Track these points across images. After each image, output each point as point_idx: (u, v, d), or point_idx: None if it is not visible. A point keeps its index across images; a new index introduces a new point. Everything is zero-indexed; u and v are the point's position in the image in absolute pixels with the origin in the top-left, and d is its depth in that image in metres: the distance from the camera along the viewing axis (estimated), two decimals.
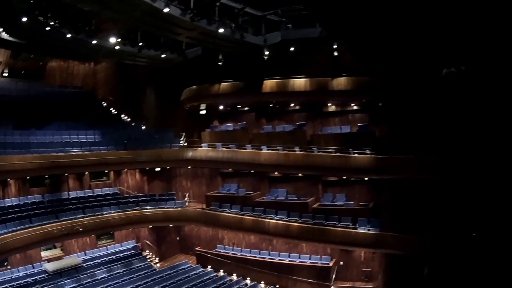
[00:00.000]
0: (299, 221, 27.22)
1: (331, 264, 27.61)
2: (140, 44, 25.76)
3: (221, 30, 22.80)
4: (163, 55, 28.01)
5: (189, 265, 29.57)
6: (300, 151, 27.08)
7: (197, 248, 31.68)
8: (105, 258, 29.59)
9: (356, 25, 21.96)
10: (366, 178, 26.78)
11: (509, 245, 20.67)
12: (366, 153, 25.38)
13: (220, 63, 28.98)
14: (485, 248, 21.83)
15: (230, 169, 30.89)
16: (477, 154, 22.18)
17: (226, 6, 23.28)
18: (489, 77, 21.42)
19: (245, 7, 24.18)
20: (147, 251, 32.51)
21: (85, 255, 29.51)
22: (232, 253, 30.25)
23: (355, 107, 28.20)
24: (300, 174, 28.48)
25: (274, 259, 29.04)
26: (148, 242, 32.75)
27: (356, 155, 25.55)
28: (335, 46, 26.19)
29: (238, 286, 27.09)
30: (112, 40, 24.86)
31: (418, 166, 23.68)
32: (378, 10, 19.80)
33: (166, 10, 19.74)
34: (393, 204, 25.41)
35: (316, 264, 27.91)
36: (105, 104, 38.69)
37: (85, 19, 24.11)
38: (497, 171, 21.38)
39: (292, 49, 27.36)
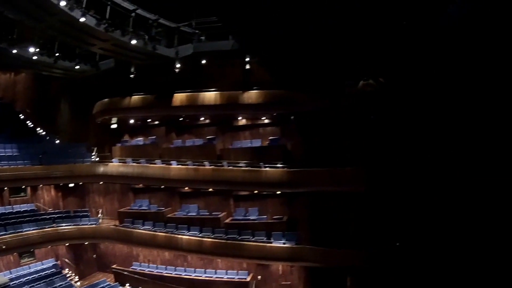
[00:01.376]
0: (212, 236, 26.75)
1: (248, 279, 27.18)
2: (57, 54, 24.91)
3: (133, 42, 22.08)
4: (77, 67, 26.95)
5: (108, 283, 28.68)
6: (210, 165, 26.36)
7: (114, 266, 30.30)
8: (28, 277, 28.05)
9: (268, 38, 21.66)
10: (278, 192, 25.94)
11: (430, 254, 20.94)
12: (278, 167, 24.80)
13: (131, 76, 27.39)
14: (407, 257, 22.07)
15: (141, 185, 29.54)
16: (393, 165, 22.50)
17: (141, 16, 22.50)
18: (408, 89, 21.48)
19: (159, 18, 23.48)
20: (67, 269, 30.96)
21: (11, 273, 27.84)
22: (148, 271, 29.41)
23: (266, 121, 27.55)
24: (211, 189, 27.44)
25: (191, 275, 28.27)
26: (67, 260, 31.25)
27: (267, 169, 25.06)
28: (247, 59, 25.65)
29: None
30: (31, 49, 23.97)
31: (331, 179, 23.90)
32: (290, 25, 19.44)
33: (82, 19, 18.88)
34: (309, 217, 25.50)
35: (233, 280, 27.43)
36: (22, 117, 36.59)
37: (8, 27, 22.89)
38: (413, 182, 21.70)
39: (203, 61, 26.32)
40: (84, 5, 18.77)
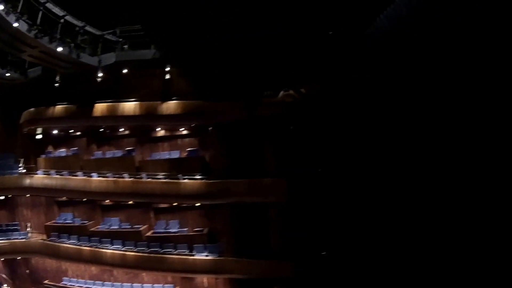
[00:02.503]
0: (135, 250, 26.07)
1: None
2: None
3: (59, 49, 21.24)
4: (8, 74, 25.60)
5: None
6: (130, 178, 25.37)
7: (46, 282, 29.36)
8: None
9: (188, 48, 20.95)
10: (198, 204, 25.15)
11: (355, 261, 21.46)
12: (196, 179, 24.27)
13: (56, 85, 26.40)
14: (333, 266, 22.47)
15: (64, 198, 28.57)
16: (314, 176, 23.10)
17: (69, 23, 21.80)
18: (330, 99, 21.03)
19: (85, 25, 22.82)
20: (5, 285, 29.99)
21: None
22: (78, 286, 28.33)
23: (184, 132, 26.77)
24: (131, 202, 26.47)
25: None
26: (4, 276, 30.26)
27: (186, 180, 24.33)
28: (167, 69, 25.04)
29: None
30: None
31: (250, 190, 23.93)
32: (209, 35, 18.75)
33: (16, 25, 17.98)
34: (230, 229, 25.28)
35: None
36: None
37: None
38: (334, 191, 22.35)
39: (125, 71, 25.36)
40: (19, 10, 18.09)
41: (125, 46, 26.03)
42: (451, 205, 18.43)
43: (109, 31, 24.73)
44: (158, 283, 27.40)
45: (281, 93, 22.47)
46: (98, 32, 24.23)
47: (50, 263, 30.24)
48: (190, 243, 25.68)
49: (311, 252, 23.21)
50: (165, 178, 25.54)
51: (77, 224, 28.73)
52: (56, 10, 20.52)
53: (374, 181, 21.55)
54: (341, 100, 21.09)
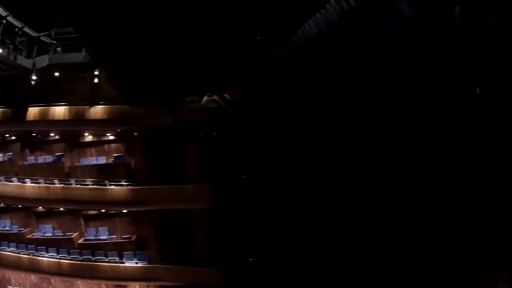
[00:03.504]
0: (69, 257, 25.62)
1: None
2: None
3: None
4: None
5: None
6: (60, 184, 24.69)
7: None
8: None
9: (115, 52, 20.42)
10: (125, 211, 24.55)
11: (284, 268, 21.47)
12: (123, 185, 23.75)
13: None
14: (262, 272, 22.48)
15: (2, 204, 28.21)
16: (240, 181, 22.88)
17: (10, 24, 20.98)
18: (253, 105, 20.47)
19: (24, 26, 22.07)
20: None
21: None
22: None
23: (111, 137, 26.07)
24: (62, 209, 25.94)
25: None
26: None
27: (112, 187, 23.66)
28: (96, 73, 24.30)
29: None
30: None
31: (174, 197, 23.64)
32: (136, 38, 18.18)
33: None
34: (158, 235, 24.85)
35: None
36: None
37: None
38: (262, 196, 21.93)
39: (56, 74, 24.75)
40: None
41: (58, 49, 24.81)
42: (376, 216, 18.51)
43: (44, 33, 24.10)
44: None
45: (205, 98, 21.74)
46: (34, 34, 23.49)
47: None
48: (119, 250, 25.17)
49: (239, 258, 23.11)
50: (93, 184, 24.59)
51: (15, 232, 27.87)
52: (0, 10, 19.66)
53: (300, 186, 21.23)
54: (265, 106, 20.38)
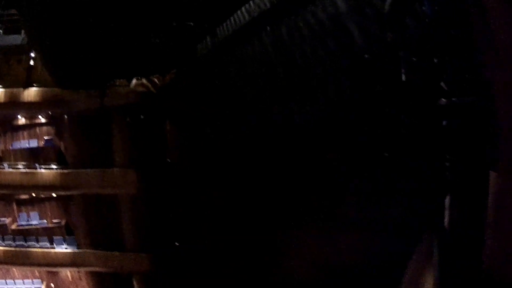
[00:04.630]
0: (4, 244, 25.18)
1: None
2: None
3: None
4: None
5: None
6: None
7: None
8: None
9: (50, 34, 20.68)
10: (54, 195, 24.48)
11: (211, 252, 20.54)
12: (52, 168, 23.64)
13: None
14: (189, 257, 21.85)
15: None
16: (166, 167, 22.61)
17: None
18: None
19: None
20: None
21: None
22: None
23: (43, 120, 26.12)
24: None
25: None
26: None
27: (42, 170, 23.43)
28: (31, 55, 24.18)
29: None
30: None
31: (101, 181, 23.38)
32: (67, 19, 18.39)
33: None
34: (86, 220, 24.67)
35: None
36: None
37: None
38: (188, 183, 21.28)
39: None
40: None
41: (0, 31, 24.89)
42: None
43: None
44: (28, 278, 26.43)
45: (134, 82, 21.66)
46: None
47: None
48: (49, 235, 25.22)
49: (166, 244, 22.68)
50: (24, 168, 24.31)
51: None
52: None
53: (225, 172, 20.27)
54: (193, 93, 20.28)
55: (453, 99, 7.14)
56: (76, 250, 24.66)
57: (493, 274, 5.55)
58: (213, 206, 20.28)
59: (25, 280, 27.02)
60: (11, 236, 25.76)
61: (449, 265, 5.16)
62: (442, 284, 5.06)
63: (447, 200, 5.81)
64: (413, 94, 8.97)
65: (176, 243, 22.55)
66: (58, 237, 25.09)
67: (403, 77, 9.00)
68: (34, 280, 26.87)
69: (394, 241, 9.88)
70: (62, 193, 25.06)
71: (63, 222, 25.76)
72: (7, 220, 26.29)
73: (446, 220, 5.52)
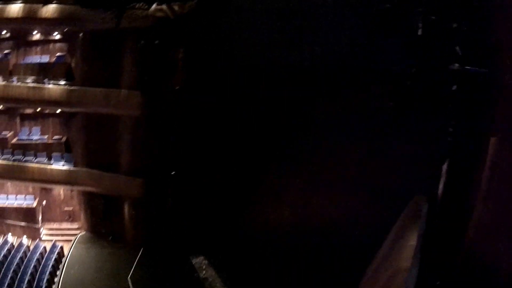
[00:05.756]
0: (2, 158, 25.58)
1: (35, 205, 26.41)
2: None
3: None
4: None
5: None
6: (3, 82, 25.00)
7: None
8: None
9: None
10: (58, 111, 24.71)
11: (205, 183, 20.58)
12: (60, 84, 24.02)
13: None
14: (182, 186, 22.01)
15: None
16: (172, 92, 22.20)
17: None
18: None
19: None
20: None
21: None
22: None
23: (57, 37, 26.40)
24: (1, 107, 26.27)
25: None
26: None
27: (50, 86, 23.95)
28: None
29: None
30: None
31: (106, 100, 23.43)
32: None
33: None
34: (86, 139, 24.93)
35: (22, 206, 26.68)
36: None
37: None
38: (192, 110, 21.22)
39: None
40: None
41: None
42: None
43: None
44: (21, 193, 26.47)
45: (154, 6, 21.92)
46: None
47: None
48: (48, 151, 25.38)
49: (161, 171, 22.58)
50: (33, 83, 24.71)
51: None
52: None
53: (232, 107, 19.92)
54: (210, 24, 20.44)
55: (466, 67, 7.08)
56: (72, 168, 24.78)
57: (477, 243, 5.56)
58: (213, 139, 20.09)
59: (18, 196, 27.04)
60: (10, 150, 25.89)
61: (435, 230, 5.12)
62: (425, 245, 4.94)
63: (444, 166, 5.72)
64: (426, 51, 8.86)
65: (172, 172, 22.34)
66: (56, 154, 25.24)
67: (419, 32, 9.00)
68: (26, 196, 26.88)
69: (384, 203, 9.64)
70: (66, 109, 25.33)
71: (63, 139, 25.83)
72: (8, 134, 26.33)
73: (440, 186, 5.47)
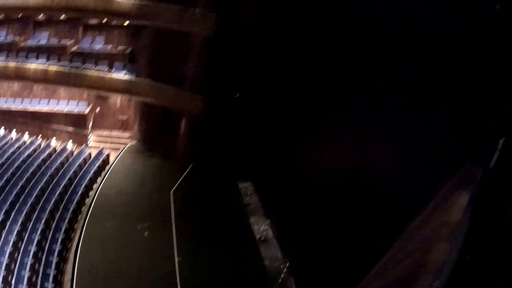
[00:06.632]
0: (58, 65, 26.37)
1: (87, 111, 27.47)
2: None
3: None
4: None
5: None
6: None
7: None
8: None
9: None
10: (126, 23, 25.87)
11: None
12: None
13: None
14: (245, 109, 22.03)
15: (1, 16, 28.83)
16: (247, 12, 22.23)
17: None
18: None
19: None
20: None
21: None
22: None
23: None
24: (63, 17, 27.25)
25: (35, 108, 28.31)
26: None
27: None
28: None
29: (5, 141, 26.03)
30: None
31: (180, 17, 23.62)
32: None
33: None
34: (153, 52, 25.52)
35: (73, 112, 27.68)
36: None
37: None
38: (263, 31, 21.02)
39: None
40: None
41: None
42: None
43: None
44: (74, 100, 27.45)
45: None
46: None
47: None
48: (111, 61, 26.19)
49: (227, 91, 23.02)
50: None
51: (8, 41, 29.03)
52: None
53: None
54: None
55: None
56: (133, 78, 25.64)
57: None
58: (282, 70, 19.95)
59: (70, 102, 28.09)
60: (69, 57, 26.83)
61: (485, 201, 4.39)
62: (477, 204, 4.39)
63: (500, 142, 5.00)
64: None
65: (237, 94, 22.85)
66: (118, 64, 26.12)
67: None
68: (80, 102, 28.01)
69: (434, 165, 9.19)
70: (136, 21, 25.81)
71: (127, 50, 26.95)
72: (68, 42, 27.25)
73: (493, 160, 4.65)
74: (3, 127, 27.72)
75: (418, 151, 10.16)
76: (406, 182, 9.79)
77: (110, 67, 25.95)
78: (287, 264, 16.42)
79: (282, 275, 16.19)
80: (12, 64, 27.44)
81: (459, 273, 3.38)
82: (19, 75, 27.49)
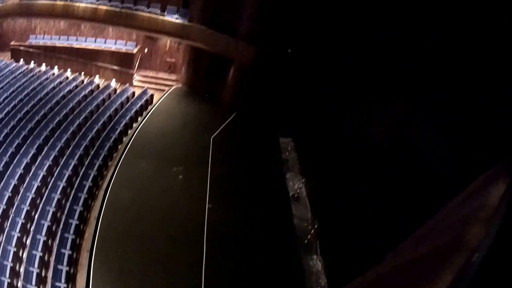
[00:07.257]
0: (108, 4, 26.15)
1: (135, 51, 27.36)
2: None
3: None
4: None
5: (4, 62, 27.39)
6: None
7: (12, 43, 29.31)
8: None
9: None
10: None
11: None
12: None
13: None
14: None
15: None
16: None
17: None
18: None
19: None
20: None
21: None
22: (43, 43, 28.55)
23: None
24: None
25: (81, 45, 28.01)
26: None
27: None
28: None
29: (46, 76, 25.82)
30: None
31: None
32: None
33: None
34: None
35: (121, 50, 27.49)
36: None
37: None
38: None
39: None
40: None
41: None
42: None
43: None
44: (122, 39, 27.39)
45: None
46: None
47: (20, 24, 30.32)
48: (164, 3, 26.00)
49: (279, 43, 22.55)
50: None
51: None
52: None
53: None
54: None
55: None
56: (186, 23, 25.48)
57: None
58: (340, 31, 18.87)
59: (118, 41, 27.96)
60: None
61: None
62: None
63: None
64: None
65: (289, 49, 22.50)
66: (171, 7, 25.89)
67: None
68: (128, 42, 27.84)
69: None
70: None
71: None
72: None
73: None
74: (44, 63, 27.46)
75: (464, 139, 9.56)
76: (446, 161, 9.62)
77: (163, 9, 25.73)
78: (315, 226, 16.44)
79: (309, 236, 16.29)
80: (60, 2, 27.09)
81: (495, 253, 3.45)
82: (68, 14, 27.22)
